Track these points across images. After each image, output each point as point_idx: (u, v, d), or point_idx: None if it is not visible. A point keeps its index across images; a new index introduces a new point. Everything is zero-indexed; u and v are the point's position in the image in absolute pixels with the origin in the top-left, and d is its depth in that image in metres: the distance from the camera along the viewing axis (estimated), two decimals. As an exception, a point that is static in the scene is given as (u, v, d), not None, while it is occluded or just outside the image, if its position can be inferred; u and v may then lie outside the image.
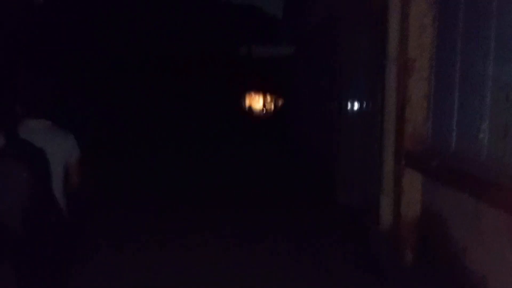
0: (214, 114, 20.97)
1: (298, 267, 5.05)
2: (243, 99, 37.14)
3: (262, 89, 41.75)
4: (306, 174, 10.01)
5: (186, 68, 18.75)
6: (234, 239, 5.93)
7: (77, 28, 9.35)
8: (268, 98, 43.66)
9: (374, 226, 5.25)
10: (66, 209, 3.10)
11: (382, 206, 5.01)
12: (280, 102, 34.39)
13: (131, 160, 11.20)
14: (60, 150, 3.06)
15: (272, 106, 41.20)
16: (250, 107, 40.67)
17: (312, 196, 8.11)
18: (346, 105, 7.48)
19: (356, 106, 7.11)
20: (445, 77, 4.12)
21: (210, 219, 6.70)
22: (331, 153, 8.34)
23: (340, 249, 5.56)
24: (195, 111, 20.04)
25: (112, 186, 8.19)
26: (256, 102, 45.13)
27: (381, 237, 5.11)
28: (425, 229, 4.41)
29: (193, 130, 17.32)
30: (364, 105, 6.60)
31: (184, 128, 17.23)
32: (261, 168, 11.15)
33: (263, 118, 34.61)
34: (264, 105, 44.83)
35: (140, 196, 8.00)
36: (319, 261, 5.20)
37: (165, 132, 16.31)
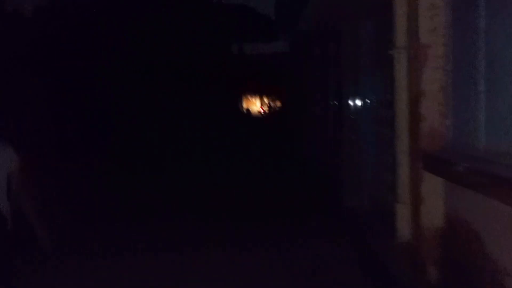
0: (211, 116, 20.63)
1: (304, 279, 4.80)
2: (240, 100, 36.69)
3: (260, 90, 41.43)
4: (308, 177, 9.81)
5: (180, 70, 18.21)
6: (236, 242, 5.81)
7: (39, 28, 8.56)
8: (266, 99, 43.36)
9: (391, 239, 4.64)
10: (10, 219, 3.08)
11: (398, 215, 4.39)
12: (279, 103, 33.99)
13: (127, 163, 11.06)
14: (1, 161, 3.01)
15: (272, 107, 40.87)
16: (248, 109, 40.34)
17: (317, 201, 7.76)
18: (349, 102, 6.93)
19: (360, 102, 6.54)
20: (466, 64, 3.50)
21: (212, 223, 6.63)
22: (333, 156, 7.85)
23: (353, 265, 5.14)
24: (191, 113, 19.61)
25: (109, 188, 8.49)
26: (254, 103, 44.81)
27: (399, 251, 4.52)
28: (451, 242, 3.80)
29: (188, 133, 16.97)
30: (370, 101, 6.03)
31: (178, 131, 16.87)
32: (262, 171, 11.05)
33: (262, 119, 34.32)
34: (261, 106, 44.57)
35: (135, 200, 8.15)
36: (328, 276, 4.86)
37: (157, 135, 16.05)
